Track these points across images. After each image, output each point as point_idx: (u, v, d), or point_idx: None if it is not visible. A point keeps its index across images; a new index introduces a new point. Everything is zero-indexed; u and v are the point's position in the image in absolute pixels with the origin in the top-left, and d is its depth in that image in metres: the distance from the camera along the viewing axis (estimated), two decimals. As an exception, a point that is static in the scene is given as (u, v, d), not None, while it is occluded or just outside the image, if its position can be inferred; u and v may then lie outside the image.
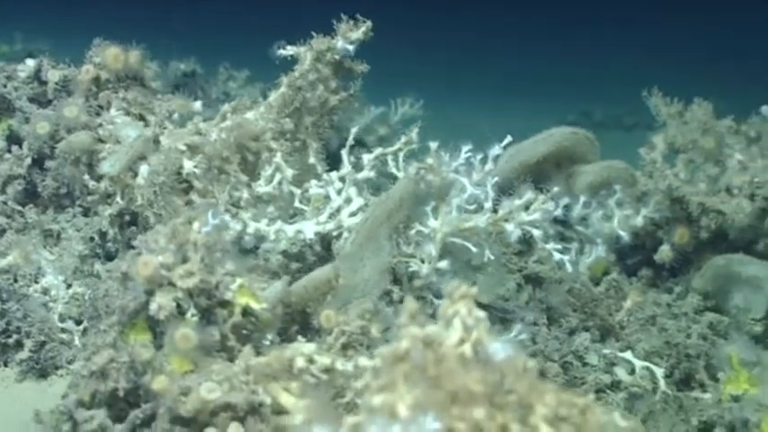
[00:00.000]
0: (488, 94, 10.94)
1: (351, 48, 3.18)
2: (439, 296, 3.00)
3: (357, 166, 3.12)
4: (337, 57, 3.22)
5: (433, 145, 2.94)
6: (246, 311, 2.02)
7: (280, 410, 1.88)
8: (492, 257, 2.98)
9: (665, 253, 3.59)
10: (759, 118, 3.77)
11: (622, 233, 3.56)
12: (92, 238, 3.49)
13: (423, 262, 2.98)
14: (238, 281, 2.01)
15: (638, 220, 3.58)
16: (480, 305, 3.37)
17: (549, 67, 12.81)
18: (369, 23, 3.17)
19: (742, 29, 14.24)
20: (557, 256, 2.98)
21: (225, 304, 1.99)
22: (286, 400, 1.87)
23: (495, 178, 2.95)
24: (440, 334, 1.54)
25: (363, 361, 2.02)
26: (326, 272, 2.43)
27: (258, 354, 1.90)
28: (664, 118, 3.89)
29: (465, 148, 2.92)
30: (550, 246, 2.97)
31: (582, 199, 3.58)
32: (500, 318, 3.20)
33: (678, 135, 3.78)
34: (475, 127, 3.87)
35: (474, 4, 15.53)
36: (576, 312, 3.25)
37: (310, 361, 1.94)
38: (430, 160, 2.92)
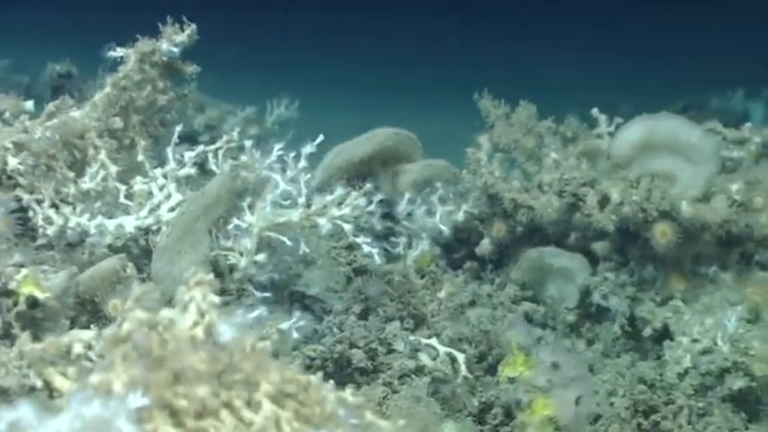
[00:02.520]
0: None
1: (176, 50, 3.30)
2: (258, 288, 3.16)
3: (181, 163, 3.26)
4: (164, 58, 3.34)
5: (248, 143, 3.10)
6: (33, 301, 2.14)
7: (55, 394, 2.00)
8: (307, 250, 3.15)
9: (485, 246, 3.82)
10: (576, 118, 4.02)
11: (444, 228, 3.78)
12: None
13: (241, 255, 3.13)
14: (24, 271, 2.12)
15: (460, 216, 3.81)
16: (305, 296, 3.54)
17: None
18: (193, 26, 3.30)
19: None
20: (366, 248, 3.15)
21: (9, 293, 2.10)
22: (61, 383, 2.00)
23: (309, 175, 3.12)
24: (172, 318, 1.68)
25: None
26: (113, 263, 2.56)
27: (37, 340, 2.02)
28: (492, 119, 4.11)
29: (277, 147, 3.08)
30: (360, 239, 3.15)
31: (406, 195, 3.80)
32: (322, 308, 3.38)
33: (503, 135, 4.00)
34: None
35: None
36: (393, 302, 3.44)
37: (89, 347, 2.06)
38: (244, 158, 3.08)
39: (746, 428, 3.21)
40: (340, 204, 3.13)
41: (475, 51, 13.97)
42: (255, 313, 1.70)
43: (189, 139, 5.71)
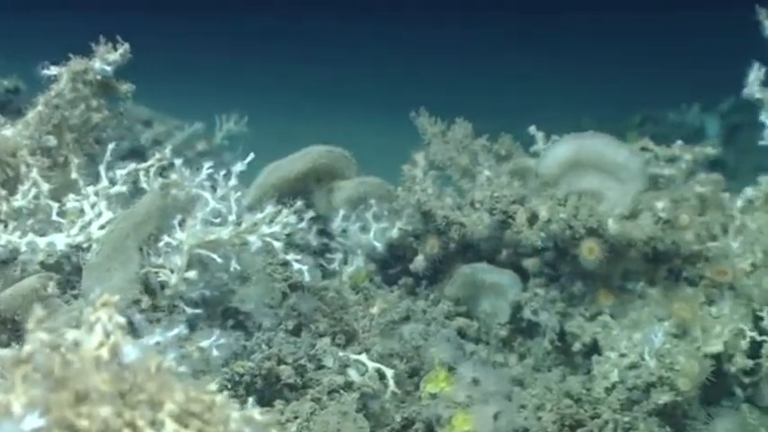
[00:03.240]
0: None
1: (108, 69, 3.33)
2: (190, 304, 3.19)
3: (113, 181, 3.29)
4: (98, 77, 3.37)
5: (178, 162, 3.14)
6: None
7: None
8: (239, 267, 3.19)
9: (419, 263, 3.87)
10: (509, 136, 4.09)
11: (377, 244, 3.84)
12: None
13: (172, 272, 3.16)
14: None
15: (394, 232, 3.87)
16: (239, 312, 3.54)
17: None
18: (126, 46, 3.33)
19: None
20: (296, 265, 3.20)
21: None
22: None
23: (239, 193, 3.16)
24: (77, 338, 1.71)
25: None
26: (33, 281, 2.58)
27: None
28: (429, 137, 4.17)
29: (207, 165, 3.13)
30: (291, 256, 3.20)
31: (341, 212, 3.85)
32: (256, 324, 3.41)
33: (438, 153, 4.06)
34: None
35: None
36: (326, 318, 3.48)
37: (6, 366, 2.09)
38: (174, 176, 3.11)
39: (670, 442, 3.28)
40: (271, 222, 3.17)
41: (439, 69, 14.10)
42: (175, 331, 1.73)
43: (136, 154, 5.75)
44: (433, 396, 2.92)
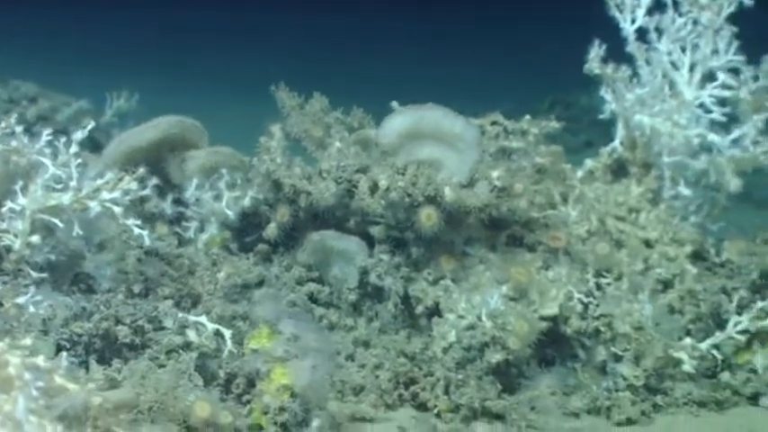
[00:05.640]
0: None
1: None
2: (35, 268, 3.28)
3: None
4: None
5: (18, 129, 3.23)
6: None
7: None
8: (81, 232, 3.30)
9: (271, 230, 3.99)
10: (361, 110, 4.24)
11: (230, 212, 3.96)
12: None
13: (16, 237, 3.25)
14: None
15: (246, 201, 3.99)
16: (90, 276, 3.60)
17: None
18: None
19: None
20: (135, 231, 3.31)
21: None
22: None
23: (79, 159, 3.25)
24: None
25: None
26: None
27: None
28: (287, 110, 4.29)
29: (45, 132, 3.22)
30: (131, 221, 3.30)
31: (194, 181, 3.96)
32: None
33: (295, 125, 4.19)
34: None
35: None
36: (174, 282, 3.60)
37: None
38: (14, 143, 3.20)
39: (499, 398, 3.45)
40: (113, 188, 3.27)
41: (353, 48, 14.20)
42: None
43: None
44: (255, 352, 3.06)
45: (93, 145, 4.82)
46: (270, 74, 4.58)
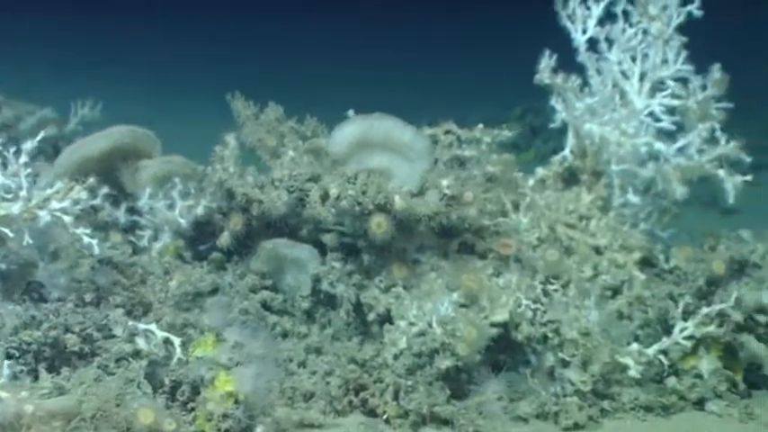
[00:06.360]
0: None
1: None
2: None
3: None
4: None
5: (-34, 140, 3.26)
6: None
7: None
8: (31, 242, 3.32)
9: (224, 238, 4.03)
10: (315, 119, 4.29)
11: (182, 221, 4.00)
12: None
13: (-36, 246, 3.27)
14: None
15: (199, 210, 4.03)
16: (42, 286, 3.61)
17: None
18: None
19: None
20: (85, 240, 3.34)
21: None
22: None
23: (29, 170, 3.27)
24: None
25: None
26: None
27: None
28: (242, 119, 4.33)
29: (-4, 142, 3.25)
30: (81, 231, 3.33)
31: (147, 190, 3.99)
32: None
33: (249, 134, 4.23)
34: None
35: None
36: (126, 291, 3.63)
37: None
38: (-37, 154, 3.22)
39: (448, 403, 3.49)
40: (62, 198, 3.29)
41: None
42: None
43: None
44: (200, 359, 3.08)
45: (57, 153, 4.84)
46: (228, 83, 4.61)
